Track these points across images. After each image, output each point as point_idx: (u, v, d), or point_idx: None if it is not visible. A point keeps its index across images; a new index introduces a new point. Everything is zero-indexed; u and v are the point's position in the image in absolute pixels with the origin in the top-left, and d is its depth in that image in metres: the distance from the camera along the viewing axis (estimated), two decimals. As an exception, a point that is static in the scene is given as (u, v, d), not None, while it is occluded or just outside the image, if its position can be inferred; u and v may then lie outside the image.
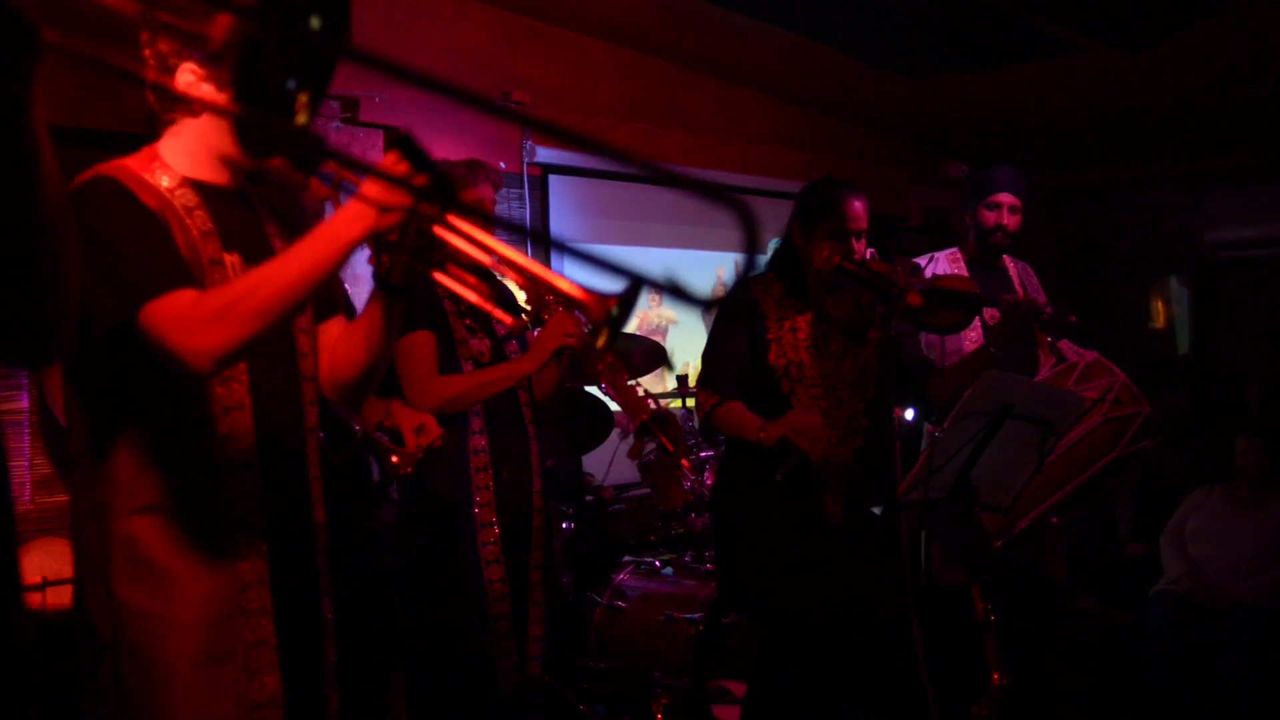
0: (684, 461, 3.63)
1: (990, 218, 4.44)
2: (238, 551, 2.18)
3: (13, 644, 1.50)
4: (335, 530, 2.46)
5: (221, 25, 1.21)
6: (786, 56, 7.26)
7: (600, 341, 1.68)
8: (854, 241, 3.64)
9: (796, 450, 3.48)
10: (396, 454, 3.38)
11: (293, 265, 2.00)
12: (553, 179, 6.86)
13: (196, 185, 2.23)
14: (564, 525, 5.31)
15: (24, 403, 4.87)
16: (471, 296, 2.19)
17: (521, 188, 6.67)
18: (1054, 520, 4.01)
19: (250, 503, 2.20)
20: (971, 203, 4.51)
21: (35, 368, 2.11)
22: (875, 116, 8.67)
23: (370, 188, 1.97)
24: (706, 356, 3.84)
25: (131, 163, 2.20)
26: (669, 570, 5.30)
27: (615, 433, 5.36)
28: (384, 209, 1.95)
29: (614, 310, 1.65)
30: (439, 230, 2.03)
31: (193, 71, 2.09)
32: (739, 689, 4.75)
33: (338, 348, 2.43)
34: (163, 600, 2.12)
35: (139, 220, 2.09)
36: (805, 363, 3.66)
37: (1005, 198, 4.44)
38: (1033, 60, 7.16)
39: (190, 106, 2.19)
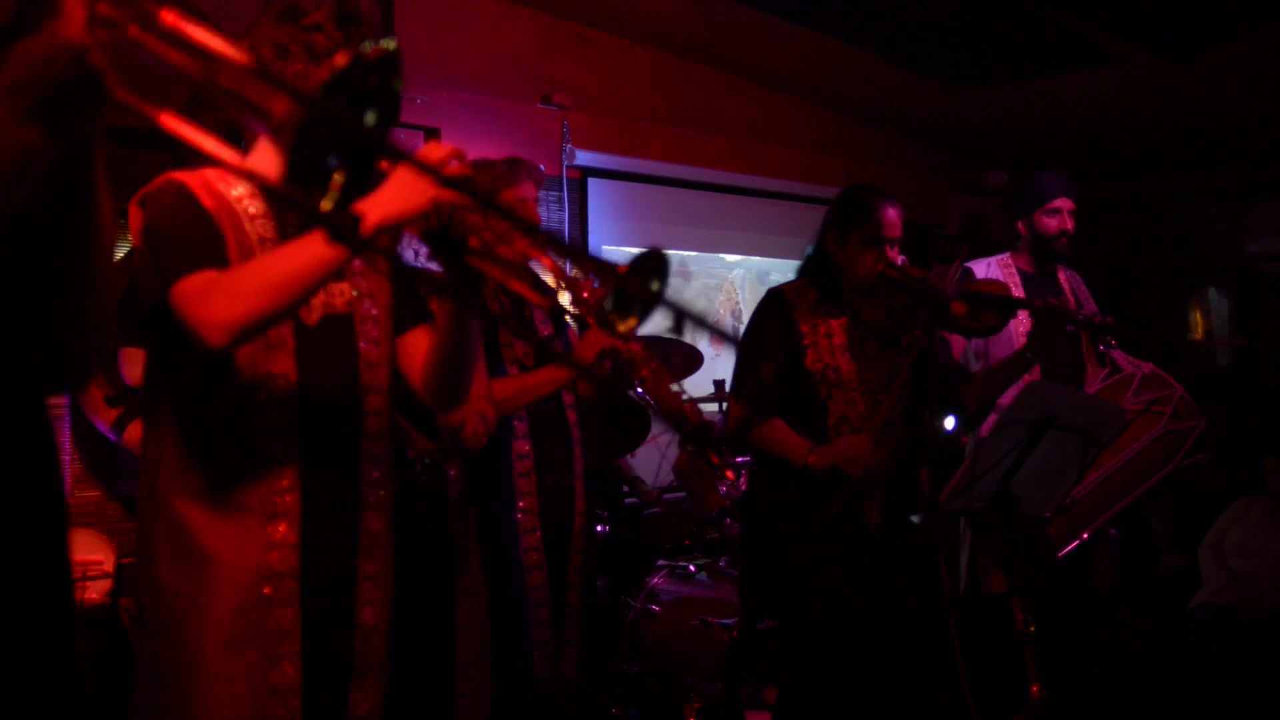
0: (729, 473, 3.62)
1: (1053, 224, 4.45)
2: (271, 542, 2.23)
3: (67, 624, 1.54)
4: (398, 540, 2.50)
5: (282, 104, 1.23)
6: (828, 62, 7.25)
7: (614, 316, 1.62)
8: (889, 249, 3.64)
9: (847, 477, 3.47)
10: (418, 436, 3.38)
11: (309, 245, 2.04)
12: (592, 182, 6.87)
13: (270, 196, 2.30)
14: (599, 528, 5.31)
15: (64, 399, 4.91)
16: (507, 279, 2.18)
17: (561, 190, 6.69)
18: (1112, 532, 3.99)
19: (288, 496, 2.25)
20: (1027, 211, 4.50)
21: (70, 393, 2.21)
22: (915, 123, 8.64)
23: (395, 179, 1.99)
24: (740, 367, 3.82)
25: (210, 171, 2.28)
26: (703, 575, 5.28)
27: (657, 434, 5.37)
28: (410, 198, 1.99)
29: (625, 278, 1.59)
30: (471, 221, 2.04)
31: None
32: (773, 695, 4.73)
33: (427, 355, 2.47)
34: (196, 582, 2.20)
35: (190, 217, 2.18)
36: (841, 366, 3.66)
37: (1064, 203, 4.46)
38: (1076, 69, 7.12)
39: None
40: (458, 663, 3.68)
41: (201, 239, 2.17)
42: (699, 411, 3.79)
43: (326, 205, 1.34)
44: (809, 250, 3.83)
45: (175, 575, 2.22)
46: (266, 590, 2.22)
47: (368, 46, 1.29)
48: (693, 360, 5.46)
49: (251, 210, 2.28)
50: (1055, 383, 3.63)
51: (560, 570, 3.79)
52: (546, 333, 3.86)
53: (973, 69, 7.23)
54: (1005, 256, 4.57)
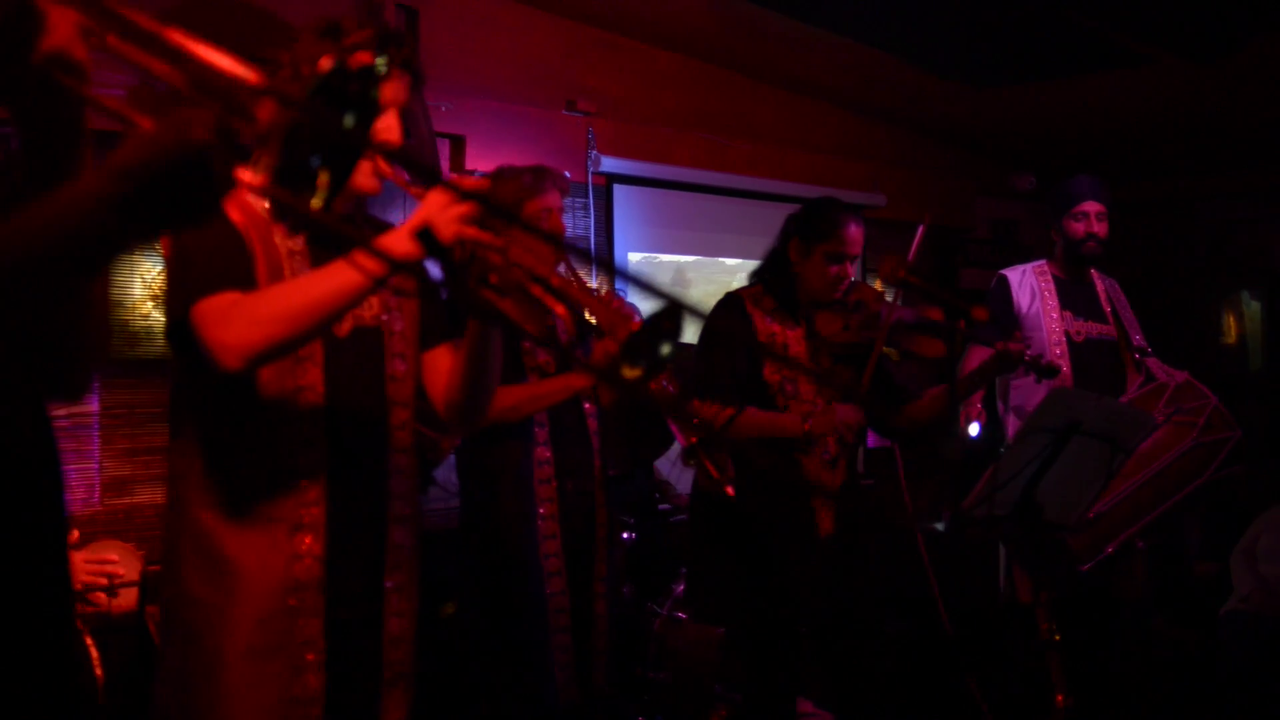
0: (729, 489, 3.60)
1: (1079, 228, 4.41)
2: (296, 553, 2.25)
3: (65, 631, 1.54)
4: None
5: (268, 107, 1.24)
6: (854, 66, 7.23)
7: (625, 368, 1.67)
8: (848, 265, 3.68)
9: (845, 443, 3.48)
10: (444, 441, 3.40)
11: (330, 275, 2.08)
12: (617, 188, 6.87)
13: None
14: (625, 535, 5.30)
15: (95, 406, 4.95)
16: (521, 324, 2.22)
17: (586, 197, 6.69)
18: (1140, 544, 3.96)
19: (313, 509, 2.27)
20: (1057, 216, 4.46)
21: (70, 402, 2.24)
22: (942, 127, 8.60)
23: (420, 212, 2.05)
24: (704, 370, 3.81)
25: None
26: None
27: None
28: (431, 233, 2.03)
29: (639, 334, 1.64)
30: (493, 256, 2.09)
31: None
32: (803, 705, 4.71)
33: (450, 372, 2.50)
34: (222, 592, 2.22)
35: (216, 233, 2.20)
36: (799, 379, 3.67)
37: (1091, 206, 4.42)
38: (1104, 70, 7.07)
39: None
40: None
41: (227, 255, 2.19)
42: (706, 423, 3.77)
43: (316, 203, 1.35)
44: (768, 253, 3.85)
45: (200, 585, 2.24)
46: (291, 601, 2.24)
47: (349, 57, 1.30)
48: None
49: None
50: (1079, 390, 3.60)
51: (585, 580, 3.78)
52: (567, 340, 3.85)
53: (999, 71, 7.20)
54: (1041, 263, 4.54)
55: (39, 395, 1.52)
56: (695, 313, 1.45)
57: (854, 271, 3.73)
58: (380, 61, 1.32)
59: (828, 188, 7.80)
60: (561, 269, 3.68)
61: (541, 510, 3.64)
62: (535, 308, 2.20)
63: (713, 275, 7.60)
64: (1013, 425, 3.98)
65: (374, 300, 2.40)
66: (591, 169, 6.67)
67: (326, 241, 2.28)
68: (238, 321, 2.06)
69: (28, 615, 1.45)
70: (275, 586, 2.24)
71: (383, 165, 2.22)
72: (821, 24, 6.53)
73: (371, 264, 2.02)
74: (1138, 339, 4.34)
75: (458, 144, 6.07)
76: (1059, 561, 3.36)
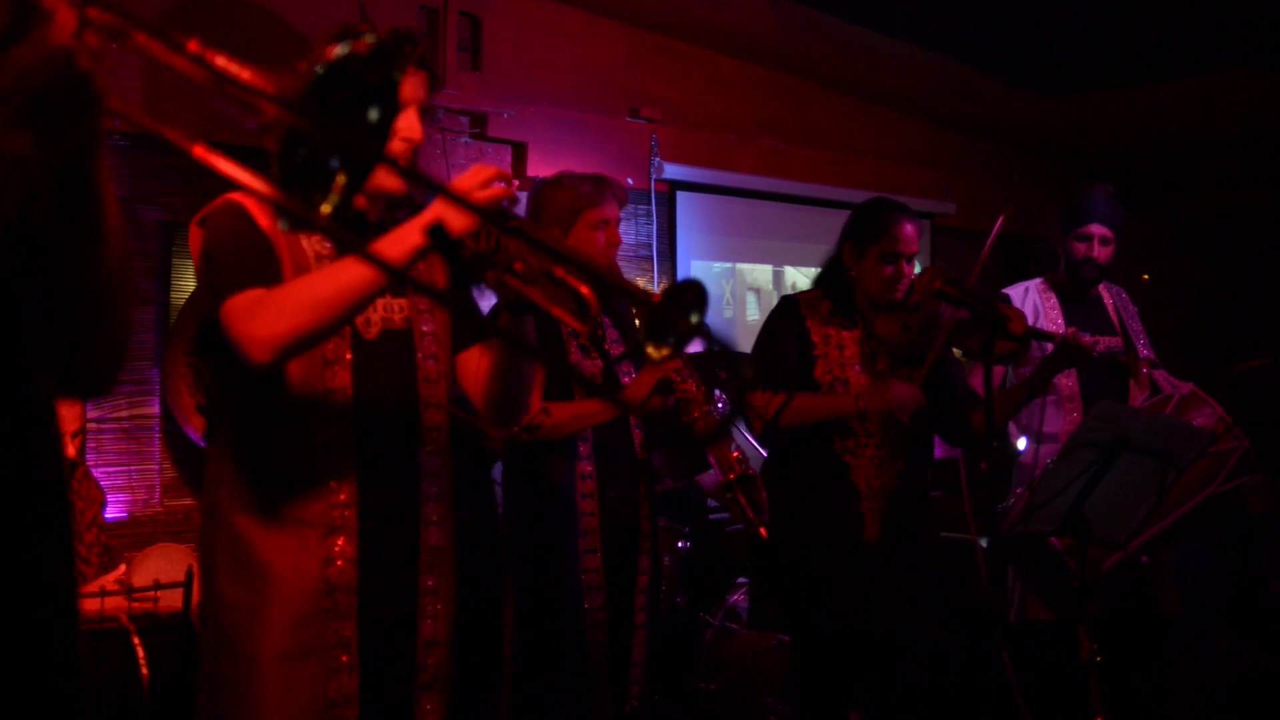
0: (762, 530, 3.56)
1: (1080, 249, 4.23)
2: (329, 556, 2.27)
3: (68, 631, 1.54)
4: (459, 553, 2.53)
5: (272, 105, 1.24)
6: (920, 73, 7.16)
7: (650, 347, 1.60)
8: (904, 265, 3.59)
9: (895, 421, 3.44)
10: (490, 429, 3.38)
11: (353, 264, 2.10)
12: (681, 195, 6.85)
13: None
14: (680, 544, 5.28)
15: (155, 408, 5.03)
16: (549, 306, 2.21)
17: (649, 204, 6.68)
18: (1144, 560, 3.85)
19: (346, 510, 2.29)
20: (1063, 232, 4.33)
21: (90, 399, 2.27)
22: (1014, 134, 8.49)
23: (438, 203, 2.10)
24: (757, 360, 3.80)
25: None
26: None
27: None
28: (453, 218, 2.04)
29: (660, 306, 1.57)
30: (514, 243, 2.09)
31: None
32: (852, 716, 4.66)
33: (486, 369, 2.52)
34: (255, 595, 2.25)
35: (245, 236, 2.24)
36: (851, 380, 3.62)
37: (1096, 229, 4.21)
38: (1179, 78, 6.94)
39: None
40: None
41: (256, 257, 2.22)
42: (746, 462, 3.72)
43: (326, 209, 1.34)
44: (826, 260, 3.79)
45: (235, 589, 2.27)
46: (325, 603, 2.26)
47: (354, 43, 1.29)
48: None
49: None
50: (1126, 404, 3.52)
51: (627, 591, 3.74)
52: (617, 353, 3.83)
53: (1068, 78, 7.09)
54: (1041, 281, 4.41)
55: (41, 390, 1.52)
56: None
57: (912, 271, 3.65)
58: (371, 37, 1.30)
59: (897, 195, 7.71)
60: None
61: (583, 525, 3.62)
62: (563, 294, 2.19)
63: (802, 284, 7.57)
64: (1025, 444, 3.89)
65: (403, 302, 2.41)
66: (654, 176, 6.65)
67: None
68: (264, 314, 2.08)
69: (29, 616, 1.45)
70: (309, 589, 2.25)
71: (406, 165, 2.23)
72: (886, 31, 6.48)
73: (393, 253, 2.04)
74: (1145, 351, 4.22)
75: (519, 151, 6.09)
76: (1060, 580, 3.28)
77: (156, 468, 5.05)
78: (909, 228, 3.60)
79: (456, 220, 2.05)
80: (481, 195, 2.08)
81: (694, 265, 6.98)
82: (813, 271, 7.63)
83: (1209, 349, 8.89)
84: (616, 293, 1.86)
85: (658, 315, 1.55)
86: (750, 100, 7.14)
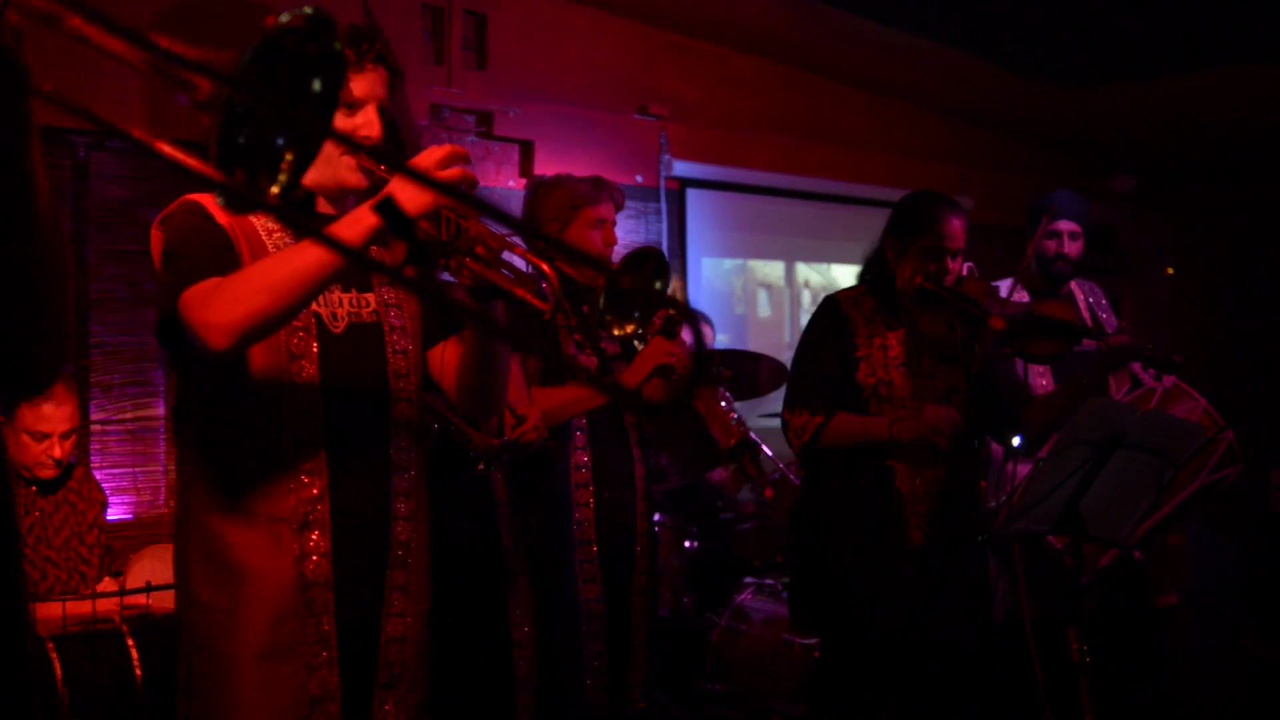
0: (768, 491, 3.52)
1: (1050, 246, 4.24)
2: (304, 553, 2.25)
3: (17, 654, 1.51)
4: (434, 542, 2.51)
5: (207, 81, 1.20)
6: (935, 67, 7.10)
7: (614, 326, 1.58)
8: (949, 261, 3.49)
9: (932, 446, 3.35)
10: (475, 435, 3.35)
11: (308, 247, 2.06)
12: (690, 192, 6.81)
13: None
14: (687, 544, 5.25)
15: (159, 410, 5.03)
16: (512, 288, 2.17)
17: (659, 201, 6.64)
18: (1137, 555, 3.79)
19: (318, 506, 2.26)
20: (1030, 231, 4.31)
21: (28, 397, 2.24)
22: (1033, 128, 8.40)
23: (393, 186, 2.02)
24: (795, 376, 3.69)
25: None
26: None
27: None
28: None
29: (618, 276, 1.54)
30: (474, 227, 2.07)
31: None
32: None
33: (456, 363, 2.49)
34: (232, 596, 2.22)
35: (203, 233, 2.20)
36: (895, 382, 3.51)
37: (1064, 225, 4.24)
38: (1200, 69, 6.86)
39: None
40: (517, 678, 3.64)
41: (213, 252, 2.19)
42: (744, 425, 3.70)
43: (274, 190, 1.30)
44: (867, 255, 3.69)
45: (211, 590, 2.24)
46: (303, 600, 2.24)
47: (288, 17, 1.25)
48: (779, 374, 5.37)
49: (270, 224, 2.30)
50: (1118, 401, 3.46)
51: (623, 590, 3.72)
52: (614, 351, 3.80)
53: (1087, 72, 7.02)
54: (1010, 281, 4.37)
55: None
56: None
57: (958, 267, 3.54)
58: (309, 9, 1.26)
59: (912, 190, 7.66)
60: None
61: (577, 515, 3.60)
62: (524, 275, 2.16)
63: (815, 280, 7.52)
64: (1018, 443, 3.84)
65: (370, 296, 2.39)
66: (664, 173, 6.62)
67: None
68: (219, 299, 2.05)
69: None
70: (285, 587, 2.23)
71: (365, 160, 2.21)
72: (900, 25, 6.42)
73: (348, 234, 2.01)
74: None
75: (526, 149, 6.07)
76: (1056, 578, 3.22)
77: (161, 469, 5.05)
78: (955, 222, 3.48)
79: (410, 198, 2.00)
80: (438, 175, 2.06)
81: (704, 262, 6.94)
82: (825, 268, 7.64)
83: (1233, 342, 8.79)
84: (576, 261, 1.81)
85: (617, 288, 1.53)
86: (761, 96, 7.09)
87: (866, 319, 3.56)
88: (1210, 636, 5.25)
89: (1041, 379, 4.15)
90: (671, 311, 3.75)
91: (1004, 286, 4.27)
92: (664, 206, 6.66)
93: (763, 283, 7.36)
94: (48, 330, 1.50)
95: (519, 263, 2.21)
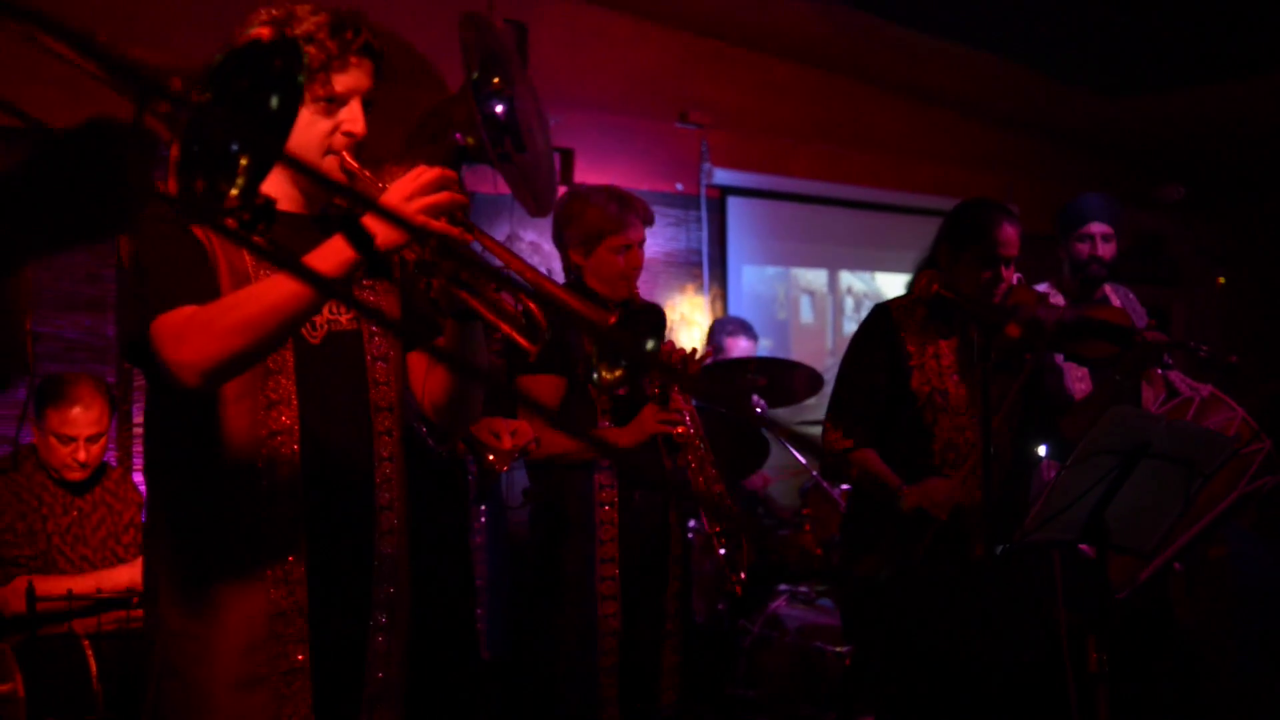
0: (737, 589, 3.55)
1: (1084, 250, 4.23)
2: (277, 579, 2.14)
3: None
4: (416, 562, 2.42)
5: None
6: (980, 75, 7.06)
7: (603, 371, 1.58)
8: (1004, 269, 3.47)
9: (933, 521, 3.33)
10: (493, 452, 3.35)
11: (284, 281, 1.96)
12: (732, 200, 6.82)
13: None
14: (722, 551, 5.25)
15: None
16: (500, 323, 2.11)
17: (699, 209, 6.65)
18: (1177, 566, 3.75)
19: (292, 530, 2.15)
20: (1063, 236, 4.30)
21: None
22: (1079, 136, 8.33)
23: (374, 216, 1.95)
24: (839, 386, 3.66)
25: None
26: (826, 600, 5.18)
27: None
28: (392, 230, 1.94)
29: (613, 330, 1.55)
30: (466, 252, 2.01)
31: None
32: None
33: (430, 374, 2.40)
34: (201, 622, 2.12)
35: (174, 243, 2.07)
36: (949, 391, 3.50)
37: (1097, 227, 4.23)
38: (1250, 76, 6.77)
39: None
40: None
41: (186, 268, 2.06)
42: (734, 511, 3.70)
43: (234, 194, 1.32)
44: (918, 263, 3.66)
45: (180, 615, 2.14)
46: (276, 627, 2.14)
47: (257, 30, 1.28)
48: (814, 381, 5.37)
49: None
50: (1144, 410, 3.43)
51: (655, 598, 3.71)
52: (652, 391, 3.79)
53: (1132, 79, 6.95)
54: (1046, 285, 4.35)
55: None
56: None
57: (1012, 275, 3.53)
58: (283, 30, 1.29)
59: (956, 199, 7.60)
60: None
61: (600, 534, 3.60)
62: (509, 316, 2.10)
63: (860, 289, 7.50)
64: (1045, 451, 3.81)
65: None
66: (705, 181, 6.63)
67: (300, 246, 2.06)
68: (194, 337, 1.94)
69: None
70: (259, 613, 2.12)
71: (349, 159, 2.14)
72: (943, 33, 6.39)
73: (324, 266, 1.92)
74: None
75: (566, 157, 6.09)
76: (1096, 590, 3.18)
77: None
78: (1010, 230, 3.47)
79: (384, 233, 1.93)
80: (420, 203, 1.97)
81: (745, 270, 6.94)
82: (869, 276, 7.61)
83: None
84: (568, 318, 1.78)
85: (609, 339, 1.53)
86: (803, 103, 7.08)
87: (919, 327, 3.54)
88: (1254, 648, 5.16)
89: (1080, 384, 4.12)
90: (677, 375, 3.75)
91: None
92: (704, 215, 6.66)
93: (806, 289, 7.35)
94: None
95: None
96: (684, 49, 6.57)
